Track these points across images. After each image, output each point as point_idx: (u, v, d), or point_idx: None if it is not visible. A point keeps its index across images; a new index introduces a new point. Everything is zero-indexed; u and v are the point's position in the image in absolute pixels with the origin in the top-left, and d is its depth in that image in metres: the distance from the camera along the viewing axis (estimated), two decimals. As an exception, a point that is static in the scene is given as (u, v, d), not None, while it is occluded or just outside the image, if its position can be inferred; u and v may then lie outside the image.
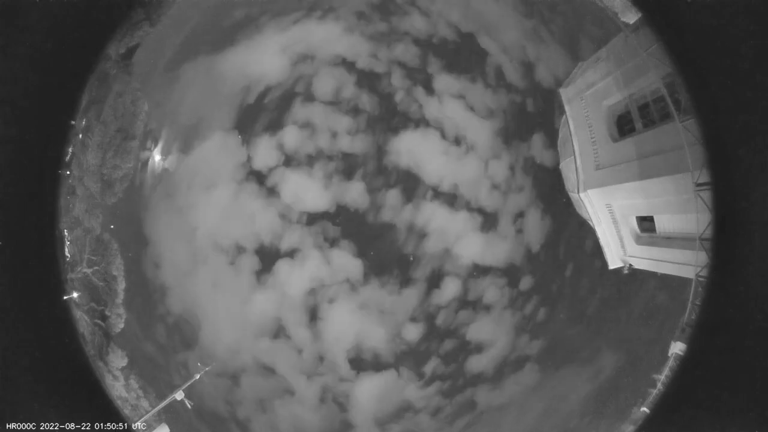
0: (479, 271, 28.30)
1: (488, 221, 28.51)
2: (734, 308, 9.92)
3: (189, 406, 19.87)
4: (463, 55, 29.11)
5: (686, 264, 13.13)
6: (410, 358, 28.26)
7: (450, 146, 28.68)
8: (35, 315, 11.47)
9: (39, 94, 11.01)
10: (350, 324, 28.19)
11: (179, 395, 19.38)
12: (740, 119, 9.67)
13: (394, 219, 28.44)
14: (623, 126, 16.09)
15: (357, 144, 28.84)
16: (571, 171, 17.79)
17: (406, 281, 28.44)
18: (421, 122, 28.71)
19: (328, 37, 28.45)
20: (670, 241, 14.78)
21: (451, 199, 28.62)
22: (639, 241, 16.27)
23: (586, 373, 27.00)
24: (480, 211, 28.57)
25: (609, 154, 15.95)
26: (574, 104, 17.91)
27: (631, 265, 17.25)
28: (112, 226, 24.64)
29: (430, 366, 28.26)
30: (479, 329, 28.24)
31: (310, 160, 28.38)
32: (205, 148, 27.79)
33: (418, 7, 28.84)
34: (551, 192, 27.88)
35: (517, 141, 28.67)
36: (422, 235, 28.46)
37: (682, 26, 10.26)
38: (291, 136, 28.31)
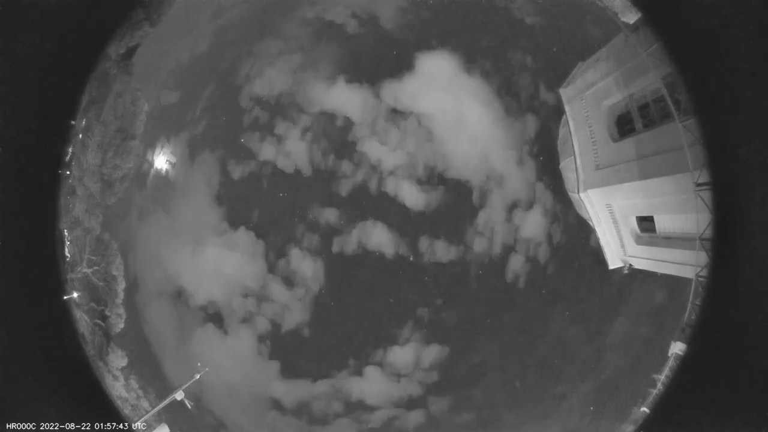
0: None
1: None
2: (734, 308, 9.91)
3: (189, 406, 19.85)
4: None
5: (686, 264, 13.10)
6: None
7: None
8: (35, 315, 11.46)
9: (39, 94, 11.00)
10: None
11: (179, 395, 19.35)
12: (740, 119, 9.66)
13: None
14: (623, 126, 16.06)
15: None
16: (571, 171, 17.76)
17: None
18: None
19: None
20: (670, 241, 14.76)
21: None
22: (639, 241, 16.25)
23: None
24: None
25: (609, 154, 15.92)
26: (574, 104, 17.88)
27: (631, 265, 17.21)
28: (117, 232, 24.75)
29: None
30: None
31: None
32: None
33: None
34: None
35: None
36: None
37: (682, 26, 10.26)
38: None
